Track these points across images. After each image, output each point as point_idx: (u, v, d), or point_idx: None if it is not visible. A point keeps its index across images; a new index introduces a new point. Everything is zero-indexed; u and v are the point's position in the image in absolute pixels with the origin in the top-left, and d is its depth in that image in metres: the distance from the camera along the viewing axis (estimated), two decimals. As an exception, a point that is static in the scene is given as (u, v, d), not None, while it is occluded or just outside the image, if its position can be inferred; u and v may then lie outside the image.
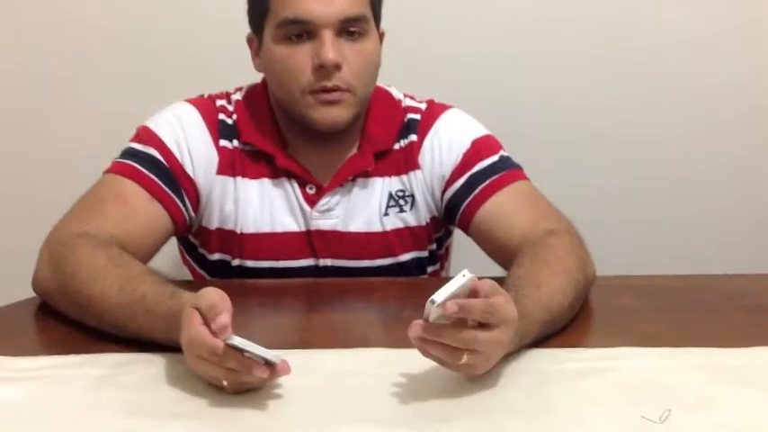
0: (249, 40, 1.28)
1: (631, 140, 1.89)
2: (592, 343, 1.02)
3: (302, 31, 1.17)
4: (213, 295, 0.85)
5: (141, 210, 1.18)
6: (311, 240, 1.27)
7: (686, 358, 0.94)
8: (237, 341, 0.81)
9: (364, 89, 1.22)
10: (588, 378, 0.90)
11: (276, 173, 1.26)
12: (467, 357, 0.83)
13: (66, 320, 1.06)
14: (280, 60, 1.19)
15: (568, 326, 1.05)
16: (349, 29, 1.18)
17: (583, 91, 1.85)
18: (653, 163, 1.90)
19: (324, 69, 1.16)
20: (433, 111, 1.32)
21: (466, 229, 1.27)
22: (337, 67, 1.16)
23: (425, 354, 0.85)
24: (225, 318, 0.82)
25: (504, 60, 1.83)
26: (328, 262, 1.29)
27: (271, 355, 0.82)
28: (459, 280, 0.81)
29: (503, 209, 1.22)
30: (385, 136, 1.29)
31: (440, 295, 0.80)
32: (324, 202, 1.26)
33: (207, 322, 0.84)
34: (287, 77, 1.19)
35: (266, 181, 1.27)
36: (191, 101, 1.29)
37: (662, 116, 1.87)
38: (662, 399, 0.84)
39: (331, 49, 1.15)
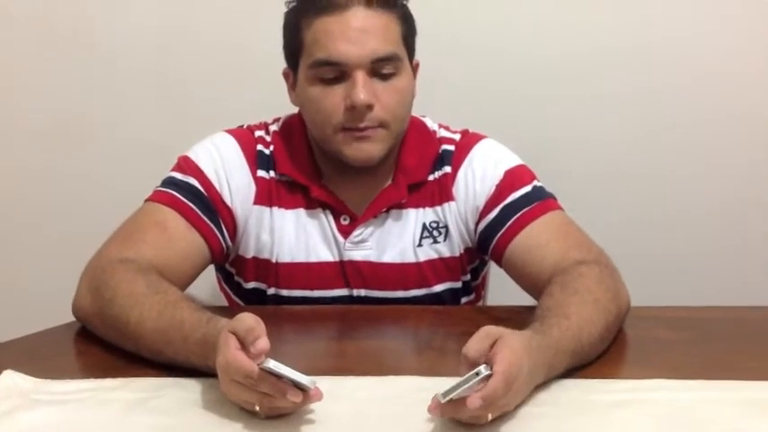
0: (285, 75, 1.30)
1: (666, 172, 1.87)
2: (624, 374, 1.01)
3: (335, 71, 1.18)
4: (250, 320, 0.86)
5: (180, 238, 1.20)
6: (345, 271, 1.28)
7: (720, 391, 0.93)
8: (273, 365, 0.82)
9: (398, 124, 1.23)
10: (620, 409, 0.89)
11: (311, 203, 1.28)
12: (491, 415, 0.84)
13: (105, 345, 1.08)
14: (313, 100, 1.21)
15: (601, 356, 1.04)
16: (382, 69, 1.19)
17: (617, 122, 1.84)
18: (687, 195, 1.88)
19: (356, 110, 1.17)
20: (467, 142, 1.32)
21: (498, 262, 1.27)
22: (369, 107, 1.18)
23: None
24: (263, 342, 0.84)
25: (539, 91, 1.83)
26: (362, 292, 1.30)
27: (305, 379, 0.83)
28: (473, 378, 0.81)
29: (535, 241, 1.21)
30: (419, 168, 1.29)
31: (451, 392, 0.81)
32: (357, 233, 1.27)
33: (244, 346, 0.85)
34: (320, 117, 1.21)
35: (302, 211, 1.28)
36: (230, 131, 1.31)
37: (698, 147, 1.85)
38: (694, 431, 0.84)
39: (362, 90, 1.16)
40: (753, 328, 1.16)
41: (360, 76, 1.17)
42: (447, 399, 0.80)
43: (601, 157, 1.86)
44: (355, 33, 1.17)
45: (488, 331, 0.87)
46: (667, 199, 1.88)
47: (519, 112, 1.82)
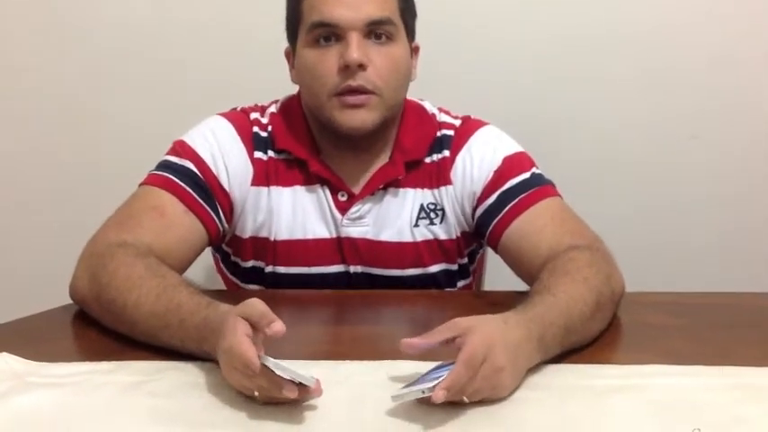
0: (287, 55, 1.31)
1: (666, 158, 1.87)
2: (620, 360, 1.01)
3: (330, 34, 1.19)
4: (261, 305, 0.86)
5: (177, 222, 1.20)
6: (341, 247, 1.29)
7: (717, 376, 0.93)
8: (271, 364, 0.81)
9: (391, 93, 1.23)
10: (615, 395, 0.89)
11: (309, 179, 1.28)
12: (467, 398, 0.85)
13: (102, 328, 1.08)
14: (309, 64, 1.21)
15: (596, 342, 1.04)
16: (376, 31, 1.20)
17: (618, 109, 1.85)
18: (687, 181, 1.88)
19: (348, 69, 1.18)
20: (467, 127, 1.32)
21: (495, 247, 1.27)
22: (362, 66, 1.18)
23: None
24: (279, 325, 0.84)
25: (542, 77, 1.83)
26: (359, 269, 1.30)
27: (304, 379, 0.83)
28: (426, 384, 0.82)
29: (530, 227, 1.21)
30: (416, 147, 1.30)
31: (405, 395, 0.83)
32: (354, 209, 1.27)
33: (258, 330, 0.85)
34: (315, 81, 1.21)
35: (299, 188, 1.28)
36: (224, 115, 1.31)
37: (702, 135, 1.85)
38: (691, 417, 0.83)
39: (356, 49, 1.17)
40: (749, 314, 1.16)
41: (354, 37, 1.18)
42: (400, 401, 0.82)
43: (604, 143, 1.86)
44: None
45: (457, 322, 0.88)
46: (670, 187, 1.88)
47: (522, 98, 1.82)
